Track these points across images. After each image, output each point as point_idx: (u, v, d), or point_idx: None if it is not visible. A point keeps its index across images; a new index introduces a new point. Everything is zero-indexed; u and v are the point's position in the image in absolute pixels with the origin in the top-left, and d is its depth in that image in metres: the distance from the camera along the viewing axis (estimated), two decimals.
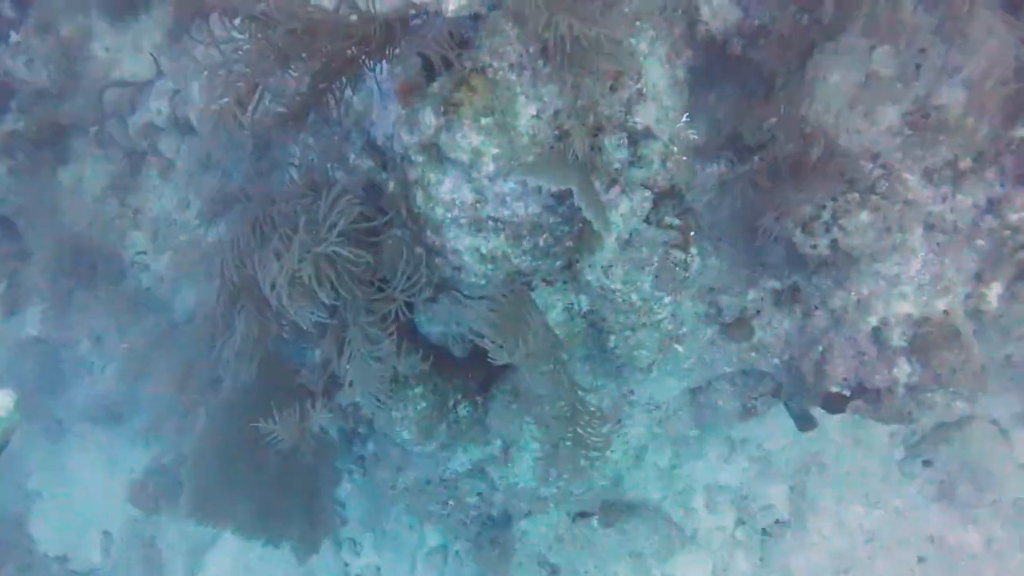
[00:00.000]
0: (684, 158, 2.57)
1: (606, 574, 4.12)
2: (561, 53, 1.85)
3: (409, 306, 2.51)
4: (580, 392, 2.27)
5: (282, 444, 2.16)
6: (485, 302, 2.10)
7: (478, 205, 2.12)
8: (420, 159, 2.11)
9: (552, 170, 1.92)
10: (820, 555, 3.79)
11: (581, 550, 4.11)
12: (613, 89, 2.10)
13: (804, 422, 3.71)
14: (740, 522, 4.04)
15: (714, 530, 4.09)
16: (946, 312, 2.44)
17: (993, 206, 2.33)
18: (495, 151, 2.00)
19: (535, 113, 2.03)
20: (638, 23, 2.17)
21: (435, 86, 2.08)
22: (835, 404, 2.61)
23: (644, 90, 2.25)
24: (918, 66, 2.48)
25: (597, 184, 2.23)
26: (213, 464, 2.88)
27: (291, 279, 1.79)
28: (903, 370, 2.44)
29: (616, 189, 2.32)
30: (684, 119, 2.33)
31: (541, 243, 2.25)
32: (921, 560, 3.55)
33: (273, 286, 1.77)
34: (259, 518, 3.15)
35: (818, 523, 3.81)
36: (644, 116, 2.25)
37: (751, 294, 2.81)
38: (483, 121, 1.97)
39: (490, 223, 2.16)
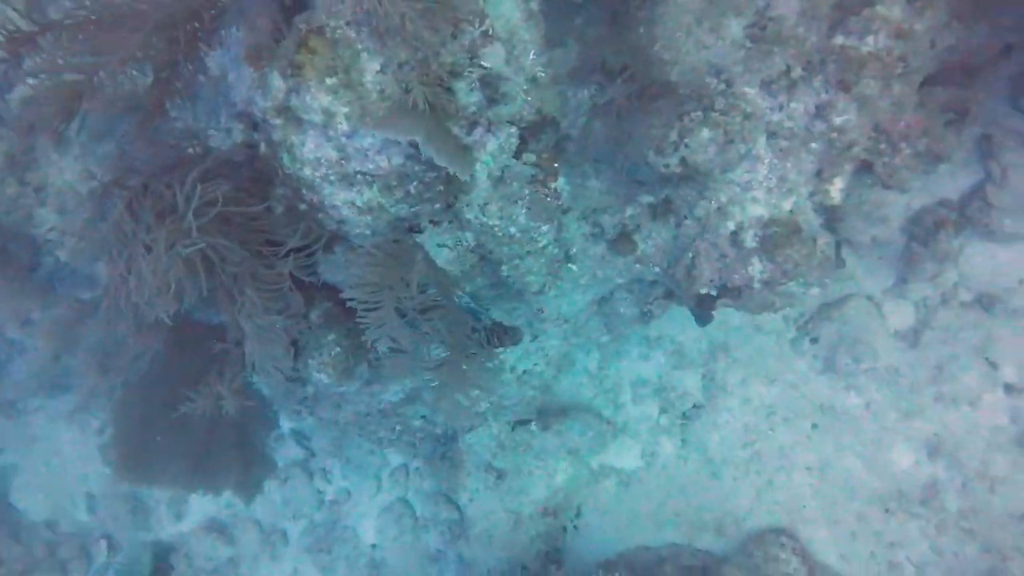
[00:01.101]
0: (550, 88, 2.71)
1: (547, 471, 4.56)
2: (393, 9, 1.95)
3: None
4: (467, 329, 2.50)
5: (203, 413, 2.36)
6: (363, 254, 2.28)
7: (343, 162, 2.26)
8: (279, 122, 2.21)
9: (398, 122, 2.06)
10: (731, 431, 4.24)
11: (523, 453, 4.52)
12: (454, 36, 2.20)
13: (704, 318, 4.06)
14: (663, 410, 4.46)
15: (641, 420, 4.51)
16: (791, 211, 2.69)
17: (821, 111, 2.53)
18: (345, 109, 2.11)
19: (379, 68, 2.12)
20: None
21: (280, 49, 2.15)
22: (706, 304, 2.90)
23: (491, 31, 2.34)
24: None
25: (456, 128, 2.37)
26: (136, 430, 3.08)
27: (162, 279, 1.92)
28: (756, 268, 2.72)
29: (480, 130, 2.45)
30: (532, 55, 2.44)
31: (412, 190, 2.40)
32: (815, 427, 4.02)
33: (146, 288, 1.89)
34: (192, 472, 3.41)
35: (727, 403, 4.24)
36: (493, 57, 2.35)
37: (629, 210, 3.02)
38: (328, 81, 2.07)
39: (359, 177, 2.30)
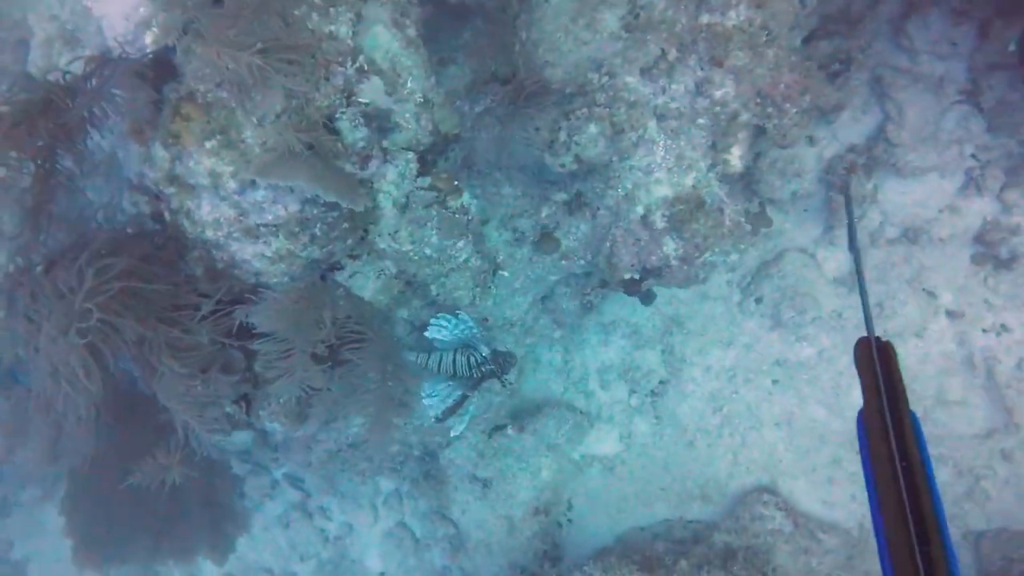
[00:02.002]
0: (445, 107, 2.76)
1: (531, 471, 4.61)
2: (252, 66, 1.99)
3: None
4: (396, 356, 2.55)
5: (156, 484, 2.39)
6: (267, 303, 2.31)
7: (242, 218, 2.30)
8: (172, 190, 2.26)
9: (278, 170, 2.10)
10: (698, 400, 4.31)
11: (504, 458, 4.57)
12: (327, 78, 2.25)
13: (645, 298, 4.13)
14: (632, 391, 4.52)
15: (613, 404, 4.57)
16: (695, 186, 2.76)
17: (701, 88, 2.60)
18: (230, 168, 2.16)
19: (256, 123, 2.17)
20: (339, 7, 2.27)
21: (160, 120, 2.20)
22: (632, 288, 2.96)
23: (367, 66, 2.39)
24: None
25: (348, 165, 2.41)
26: (92, 511, 3.10)
27: (66, 365, 1.95)
28: (670, 246, 2.78)
29: (375, 162, 2.50)
30: (414, 81, 2.48)
31: (318, 232, 2.45)
32: (775, 382, 4.10)
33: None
34: (158, 544, 3.43)
35: (690, 373, 4.31)
36: (372, 91, 2.41)
37: (545, 210, 3.09)
38: (208, 144, 2.12)
39: (262, 229, 2.35)
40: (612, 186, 2.83)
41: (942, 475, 3.75)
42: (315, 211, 2.40)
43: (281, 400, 2.96)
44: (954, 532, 3.61)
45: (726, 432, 4.25)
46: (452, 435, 3.58)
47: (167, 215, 2.50)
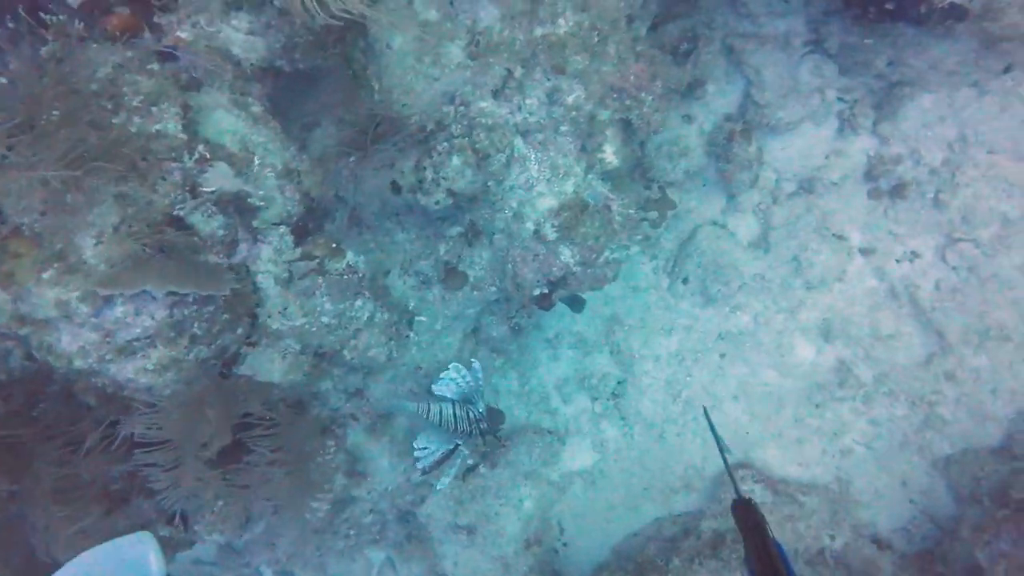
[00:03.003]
0: (315, 171, 2.74)
1: (513, 504, 4.53)
2: (75, 190, 1.94)
3: None
4: (307, 435, 2.49)
5: None
6: (145, 415, 2.23)
7: (108, 340, 2.22)
8: (27, 330, 2.18)
9: (123, 278, 2.04)
10: (657, 392, 4.31)
11: (483, 499, 4.48)
12: (163, 178, 2.21)
13: (576, 305, 4.13)
14: (594, 399, 4.50)
15: (579, 415, 4.53)
16: (575, 192, 2.78)
17: (552, 97, 2.64)
18: (76, 293, 2.09)
19: (95, 241, 2.11)
20: (160, 105, 2.25)
21: None
22: (545, 303, 2.95)
23: (209, 153, 2.36)
24: (451, 3, 2.71)
25: (213, 256, 2.36)
26: None
27: None
28: (567, 255, 2.79)
29: (244, 246, 2.47)
30: (268, 155, 2.47)
31: (198, 331, 2.38)
32: (722, 356, 4.12)
33: None
34: None
35: (642, 367, 4.31)
36: (218, 177, 2.37)
37: (443, 247, 3.08)
38: (46, 275, 2.05)
39: (135, 344, 2.27)
40: (499, 209, 2.84)
41: (898, 411, 3.78)
42: (187, 311, 2.34)
43: (214, 510, 2.85)
44: (923, 463, 3.63)
45: (690, 416, 4.24)
46: (437, 488, 3.51)
47: (34, 353, 2.41)
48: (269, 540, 3.58)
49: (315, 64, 2.67)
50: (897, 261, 3.65)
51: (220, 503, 2.82)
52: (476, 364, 3.21)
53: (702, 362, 4.18)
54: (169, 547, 2.69)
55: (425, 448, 3.37)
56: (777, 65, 3.24)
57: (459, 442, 3.39)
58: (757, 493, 3.95)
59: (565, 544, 4.62)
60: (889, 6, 2.69)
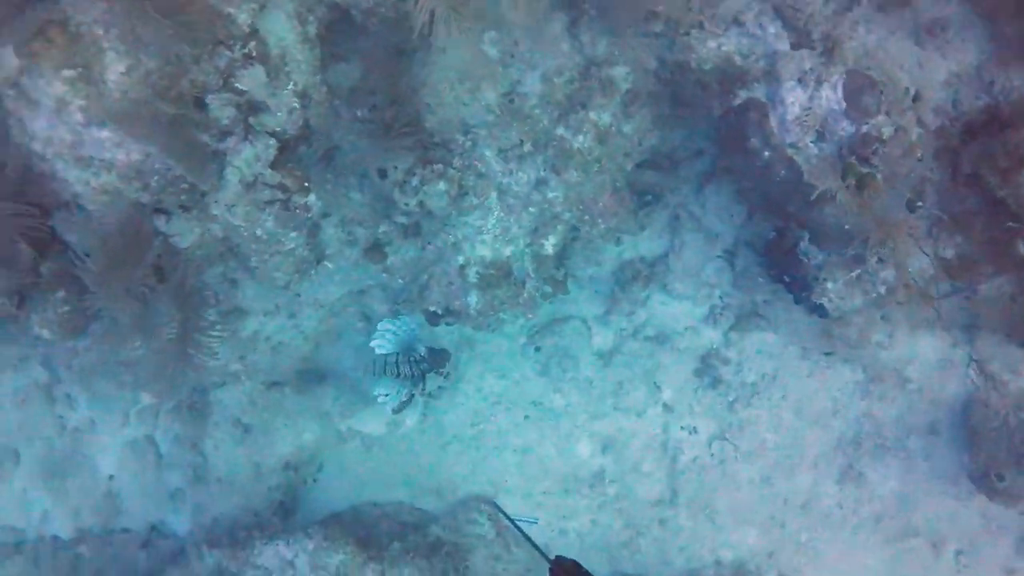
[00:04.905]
0: (323, 105, 2.95)
1: (296, 430, 4.89)
2: (149, 21, 2.07)
3: None
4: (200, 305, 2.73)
5: None
6: (88, 223, 2.39)
7: (77, 147, 2.32)
8: (10, 93, 2.23)
9: (136, 127, 2.20)
10: (464, 413, 4.89)
11: (273, 413, 4.79)
12: (209, 56, 2.36)
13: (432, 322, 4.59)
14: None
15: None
16: (509, 258, 3.27)
17: (539, 185, 3.11)
18: (81, 102, 2.19)
19: (124, 71, 2.22)
20: None
21: (17, 25, 2.15)
22: (433, 319, 3.41)
23: (255, 53, 2.53)
24: (512, 55, 3.06)
25: (207, 136, 2.54)
26: None
27: None
28: (473, 299, 3.28)
29: (234, 139, 2.65)
30: (298, 77, 2.66)
31: (153, 183, 2.54)
32: (527, 417, 4.80)
33: None
34: None
35: (465, 389, 4.87)
36: (251, 79, 2.55)
37: (383, 226, 3.41)
38: (65, 73, 2.14)
39: (96, 161, 2.39)
40: (446, 231, 3.24)
41: (615, 524, 4.71)
42: (157, 165, 2.49)
43: (61, 310, 2.97)
44: (605, 569, 4.59)
45: (475, 445, 4.89)
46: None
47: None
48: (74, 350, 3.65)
49: (381, 29, 2.89)
50: (681, 428, 4.58)
51: (67, 308, 2.95)
52: (403, 315, 3.73)
53: (510, 412, 4.84)
54: None
55: (387, 394, 4.11)
56: (697, 251, 3.98)
57: (414, 387, 4.11)
58: (484, 527, 4.69)
59: (316, 480, 5.05)
60: (786, 279, 3.51)
